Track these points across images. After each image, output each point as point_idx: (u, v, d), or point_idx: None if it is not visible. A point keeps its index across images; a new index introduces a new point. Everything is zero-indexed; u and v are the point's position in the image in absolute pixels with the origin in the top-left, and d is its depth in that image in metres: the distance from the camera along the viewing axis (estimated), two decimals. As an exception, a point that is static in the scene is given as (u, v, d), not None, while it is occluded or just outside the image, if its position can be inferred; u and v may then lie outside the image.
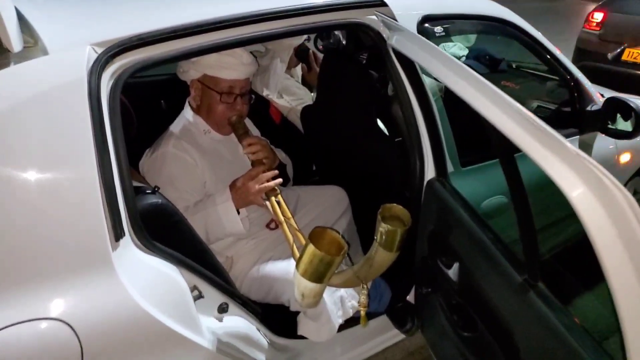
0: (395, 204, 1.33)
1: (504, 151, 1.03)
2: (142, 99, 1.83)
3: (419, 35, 1.26)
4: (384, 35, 1.50)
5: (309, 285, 1.22)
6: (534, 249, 1.03)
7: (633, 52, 4.57)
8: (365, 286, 1.33)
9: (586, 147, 2.20)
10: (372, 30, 1.51)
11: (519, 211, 1.03)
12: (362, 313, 1.37)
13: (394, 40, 1.39)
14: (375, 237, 1.30)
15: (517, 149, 0.97)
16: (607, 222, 0.74)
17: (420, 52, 1.22)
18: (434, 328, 1.60)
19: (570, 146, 0.82)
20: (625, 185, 2.49)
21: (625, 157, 2.44)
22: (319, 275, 1.20)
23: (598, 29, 4.85)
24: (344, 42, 2.91)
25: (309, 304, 1.29)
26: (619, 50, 4.69)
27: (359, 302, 1.35)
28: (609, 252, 0.75)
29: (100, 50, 1.11)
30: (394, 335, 1.86)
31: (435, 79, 1.60)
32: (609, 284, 0.76)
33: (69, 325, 1.02)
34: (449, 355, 1.51)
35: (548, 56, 2.07)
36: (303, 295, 1.25)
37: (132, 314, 1.10)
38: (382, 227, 1.26)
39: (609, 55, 4.72)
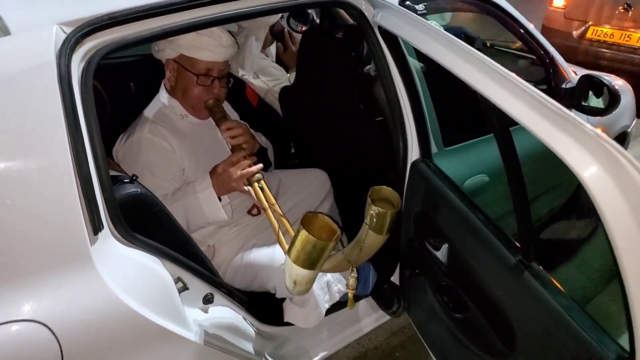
0: (384, 186, 1.30)
1: (501, 129, 1.00)
2: (109, 82, 1.72)
3: (408, 11, 1.21)
4: (366, 14, 1.46)
5: (301, 272, 1.19)
6: (528, 229, 1.02)
7: (597, 30, 4.66)
8: (354, 269, 1.31)
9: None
10: (354, 7, 1.46)
11: (514, 191, 1.01)
12: (350, 295, 1.35)
13: (379, 17, 1.34)
14: (365, 220, 1.28)
15: (512, 125, 0.94)
16: (625, 206, 0.72)
17: (410, 28, 1.17)
18: (421, 309, 1.59)
19: (580, 121, 0.78)
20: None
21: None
22: (312, 261, 1.17)
23: (563, 7, 4.92)
24: (317, 21, 2.85)
25: (301, 292, 1.26)
26: (583, 28, 4.77)
27: (347, 285, 1.32)
28: (627, 241, 0.73)
29: (69, 30, 1.03)
30: (380, 317, 1.86)
31: (423, 56, 1.57)
32: (623, 275, 0.74)
33: (46, 326, 0.96)
34: (437, 335, 1.51)
35: (525, 34, 2.06)
36: (295, 283, 1.21)
37: (114, 311, 1.04)
38: (373, 210, 1.23)
39: (574, 33, 4.80)
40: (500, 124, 1.00)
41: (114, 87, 1.84)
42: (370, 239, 1.28)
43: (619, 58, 4.49)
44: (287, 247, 1.39)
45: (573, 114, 0.79)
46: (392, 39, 1.40)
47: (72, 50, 1.02)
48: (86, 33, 1.04)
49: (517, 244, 1.09)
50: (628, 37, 4.45)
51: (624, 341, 0.87)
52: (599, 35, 4.63)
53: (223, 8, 1.25)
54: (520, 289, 1.04)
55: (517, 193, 1.00)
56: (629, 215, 0.72)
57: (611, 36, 4.55)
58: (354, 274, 1.30)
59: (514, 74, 0.90)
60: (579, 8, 4.80)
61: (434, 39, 1.08)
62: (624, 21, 4.43)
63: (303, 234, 1.15)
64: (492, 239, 1.13)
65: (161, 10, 1.13)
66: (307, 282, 1.23)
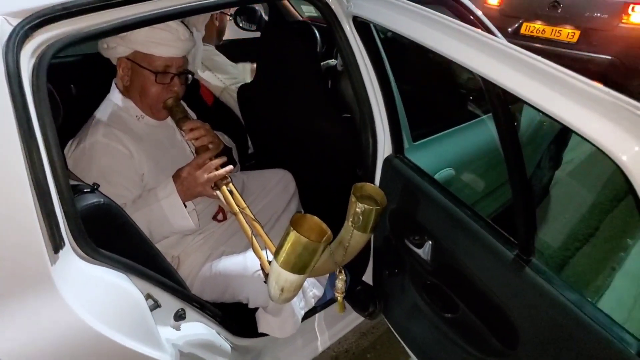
0: (367, 183, 1.25)
1: (503, 114, 0.96)
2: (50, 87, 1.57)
3: None
4: (333, 6, 1.40)
5: (290, 278, 1.11)
6: (529, 222, 0.99)
7: (530, 26, 4.87)
8: (342, 271, 1.25)
9: (518, 118, 2.28)
10: (320, 0, 1.40)
11: (513, 181, 0.97)
12: (339, 299, 1.28)
13: (354, 7, 1.28)
14: (348, 219, 1.22)
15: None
16: None
17: (395, 14, 1.11)
18: (400, 310, 1.56)
19: (609, 92, 0.72)
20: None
21: (545, 125, 2.58)
22: (303, 265, 1.09)
23: (498, 4, 5.10)
24: (265, 18, 2.77)
25: (287, 299, 1.18)
26: (517, 24, 4.97)
27: (336, 289, 1.26)
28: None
29: (15, 22, 0.89)
30: (353, 320, 1.82)
31: (387, 50, 1.53)
32: None
33: (2, 362, 0.83)
34: (420, 335, 1.48)
35: (476, 21, 2.09)
36: (283, 290, 1.13)
37: (81, 337, 0.93)
38: (358, 207, 1.18)
39: (509, 30, 4.99)
40: (503, 110, 0.95)
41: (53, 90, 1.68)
42: (355, 238, 1.22)
43: (551, 52, 4.71)
44: (261, 252, 1.32)
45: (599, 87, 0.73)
46: (366, 31, 1.35)
47: (21, 44, 0.88)
48: (36, 25, 0.91)
49: (512, 239, 1.06)
50: (558, 32, 4.68)
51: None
52: (532, 31, 4.85)
53: (183, 0, 1.15)
54: (521, 286, 1.01)
55: (517, 184, 0.97)
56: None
57: (543, 32, 4.78)
58: (343, 277, 1.24)
59: (522, 50, 0.85)
60: (512, 5, 5.00)
61: (424, 24, 1.03)
62: (554, 17, 4.66)
63: (293, 235, 1.07)
64: (484, 234, 1.10)
65: (120, 1, 1.02)
66: (295, 289, 1.15)
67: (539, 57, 0.82)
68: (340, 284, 1.24)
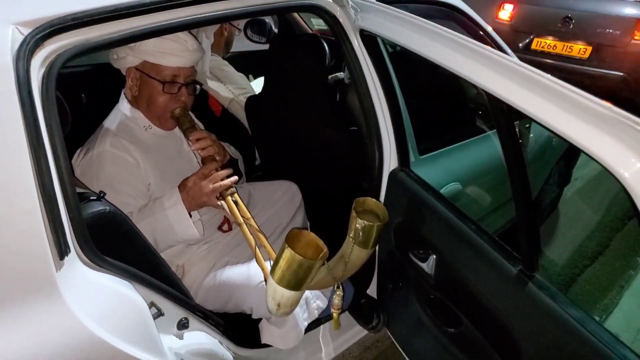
0: (369, 198, 1.25)
1: (507, 129, 0.96)
2: (59, 93, 1.59)
3: (396, 10, 1.15)
4: (340, 19, 1.41)
5: (286, 294, 1.11)
6: (533, 238, 0.99)
7: (541, 42, 4.86)
8: (340, 286, 1.24)
9: (526, 134, 2.28)
10: (327, 13, 1.41)
11: (517, 196, 0.97)
12: (335, 316, 1.28)
13: (361, 20, 1.29)
14: (349, 234, 1.22)
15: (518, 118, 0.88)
16: None
17: (401, 28, 1.12)
18: (403, 324, 1.55)
19: (611, 108, 0.72)
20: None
21: (554, 141, 2.56)
22: (298, 281, 1.09)
23: (509, 19, 5.11)
24: (275, 31, 2.80)
25: (285, 313, 1.18)
26: (528, 39, 4.97)
27: (332, 305, 1.26)
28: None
29: (27, 32, 0.91)
30: (357, 333, 1.80)
31: (394, 63, 1.54)
32: None
33: (7, 367, 0.84)
34: (422, 350, 1.46)
35: (485, 36, 2.10)
36: (279, 305, 1.13)
37: (85, 344, 0.94)
38: (358, 224, 1.17)
39: (520, 45, 4.99)
40: (507, 125, 0.96)
41: (64, 99, 1.71)
42: (356, 253, 1.22)
43: (561, 68, 4.69)
44: (264, 263, 1.32)
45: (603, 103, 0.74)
46: (373, 44, 1.36)
47: (31, 53, 0.90)
48: (46, 35, 0.93)
49: (515, 254, 1.05)
50: (569, 48, 4.67)
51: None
52: (542, 47, 4.84)
53: (194, 11, 1.16)
54: (524, 302, 1.00)
55: (521, 200, 0.97)
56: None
57: (554, 47, 4.77)
58: (340, 292, 1.24)
59: (525, 64, 0.86)
60: (523, 20, 5.00)
61: (430, 38, 1.04)
62: (565, 33, 4.65)
63: (288, 252, 1.07)
64: (488, 249, 1.09)
65: (129, 11, 1.04)
66: (292, 304, 1.15)
67: (543, 73, 0.82)
68: (337, 299, 1.24)
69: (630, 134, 0.70)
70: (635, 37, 4.29)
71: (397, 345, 1.62)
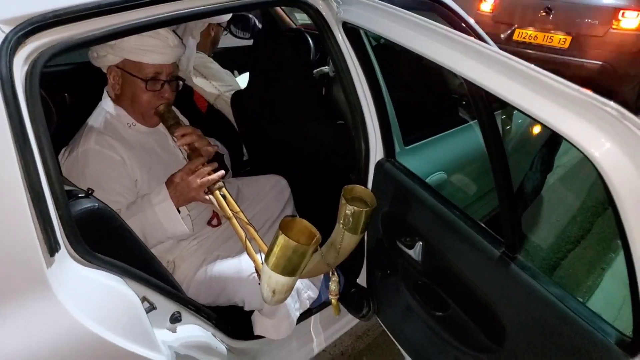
0: (357, 185, 1.28)
1: (487, 116, 0.99)
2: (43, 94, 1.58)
3: (378, 1, 1.17)
4: (324, 13, 1.43)
5: (281, 280, 1.13)
6: (514, 220, 1.02)
7: (522, 32, 4.92)
8: (335, 273, 1.27)
9: (508, 123, 2.32)
10: (310, 6, 1.43)
11: (498, 181, 1.00)
12: (334, 302, 1.30)
13: (343, 13, 1.31)
14: (339, 221, 1.24)
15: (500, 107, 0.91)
16: None
17: (383, 19, 1.13)
18: (393, 310, 1.57)
19: (580, 90, 0.75)
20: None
21: (536, 129, 2.61)
22: (293, 267, 1.11)
23: (491, 11, 5.16)
24: (259, 26, 2.80)
25: (279, 300, 1.20)
26: (509, 31, 5.02)
27: (329, 291, 1.28)
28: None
29: (8, 29, 0.91)
30: (348, 322, 1.83)
31: (378, 56, 1.56)
32: (636, 263, 0.73)
33: (1, 364, 0.85)
34: (413, 335, 1.49)
35: (468, 29, 2.12)
36: (274, 292, 1.15)
37: (78, 339, 0.94)
38: (348, 210, 1.20)
39: (502, 36, 5.04)
40: (486, 111, 0.98)
41: (48, 99, 1.70)
42: (346, 239, 1.24)
43: (543, 58, 4.75)
44: (255, 255, 1.34)
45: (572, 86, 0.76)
46: (356, 36, 1.38)
47: (13, 51, 0.90)
48: (28, 32, 0.93)
49: (498, 237, 1.08)
50: (550, 38, 4.73)
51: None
52: (524, 38, 4.89)
53: (177, 6, 1.17)
54: (507, 282, 1.03)
55: (502, 183, 1.00)
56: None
57: (535, 38, 4.82)
58: (335, 278, 1.26)
59: (501, 52, 0.88)
60: (505, 12, 5.05)
61: (411, 29, 1.06)
62: (546, 24, 4.71)
63: (282, 239, 1.09)
64: (472, 233, 1.12)
65: (111, 8, 1.04)
66: (287, 290, 1.17)
67: (518, 59, 0.85)
68: (333, 285, 1.26)
69: (599, 115, 0.73)
70: (613, 26, 4.36)
71: (388, 332, 1.65)
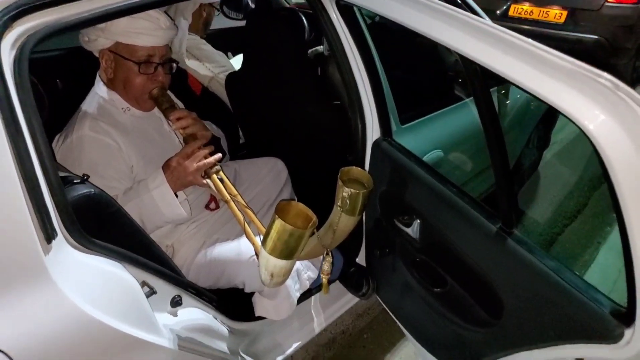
0: (354, 167, 1.27)
1: (482, 91, 0.98)
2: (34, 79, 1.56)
3: None
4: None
5: (278, 264, 1.13)
6: (510, 196, 1.02)
7: (518, 8, 4.86)
8: (330, 253, 1.27)
9: (504, 99, 2.30)
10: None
11: (494, 156, 1.00)
12: (324, 281, 1.31)
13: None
14: (336, 203, 1.24)
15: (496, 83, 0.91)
16: (638, 160, 0.69)
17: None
18: (392, 288, 1.59)
19: (575, 62, 0.74)
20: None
21: (533, 105, 2.60)
22: (290, 251, 1.11)
23: (485, -14, 5.09)
24: (252, 6, 2.76)
25: (278, 283, 1.20)
26: (505, 6, 4.97)
27: (322, 271, 1.29)
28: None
29: (-7, 13, 0.89)
30: (348, 301, 1.84)
31: (373, 34, 1.54)
32: (630, 236, 0.74)
33: (5, 354, 0.85)
34: (412, 313, 1.51)
35: (462, 3, 2.09)
36: (272, 275, 1.15)
37: (79, 325, 0.95)
38: (345, 192, 1.19)
39: (498, 12, 4.99)
40: (481, 87, 0.97)
41: (40, 85, 1.68)
42: (343, 221, 1.24)
43: (539, 33, 4.71)
44: (254, 238, 1.34)
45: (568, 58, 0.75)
46: (350, 14, 1.36)
47: (0, 35, 0.89)
48: (15, 15, 0.90)
49: (495, 213, 1.08)
50: (546, 13, 4.68)
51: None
52: (520, 13, 4.84)
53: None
54: (504, 257, 1.04)
55: (498, 159, 0.99)
56: None
57: (531, 13, 4.77)
58: (329, 259, 1.27)
59: (496, 25, 0.87)
60: (500, -14, 4.99)
61: (405, 4, 1.04)
62: (541, -2, 4.67)
63: (278, 223, 1.09)
64: (468, 209, 1.12)
65: None
66: (285, 273, 1.17)
67: (512, 32, 0.84)
68: (326, 265, 1.27)
69: (593, 87, 0.72)
70: (609, 0, 4.32)
71: (387, 310, 1.66)
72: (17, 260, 0.88)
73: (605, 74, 0.70)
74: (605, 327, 0.89)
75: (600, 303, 0.89)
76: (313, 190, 1.94)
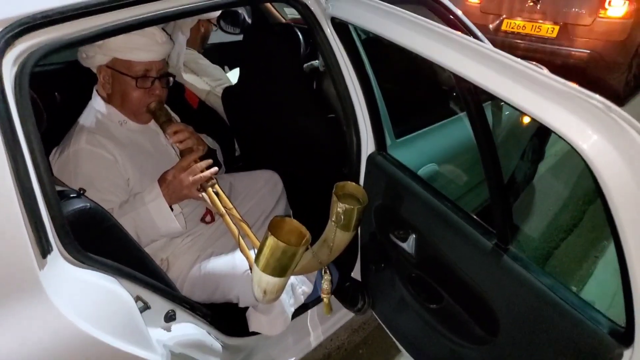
0: (348, 182, 1.28)
1: (475, 108, 1.00)
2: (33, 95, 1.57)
3: None
4: (312, 8, 1.42)
5: (271, 281, 1.13)
6: (505, 212, 1.03)
7: (511, 23, 4.93)
8: (327, 271, 1.27)
9: (497, 113, 2.33)
10: (298, 2, 1.42)
11: (488, 173, 1.01)
12: (326, 300, 1.31)
13: (332, 9, 1.31)
14: (331, 218, 1.24)
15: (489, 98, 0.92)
16: (631, 179, 0.71)
17: (371, 14, 1.14)
18: (388, 304, 1.59)
19: (566, 83, 0.76)
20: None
21: (526, 119, 2.62)
22: (283, 268, 1.11)
23: (479, 2, 5.16)
24: (249, 21, 2.79)
25: (271, 300, 1.20)
26: (498, 21, 5.03)
27: (322, 290, 1.29)
28: (635, 221, 0.71)
29: (-4, 31, 0.90)
30: (344, 316, 1.83)
31: (368, 50, 1.56)
32: (627, 255, 0.74)
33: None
34: (408, 328, 1.51)
35: (456, 20, 2.12)
36: (265, 292, 1.15)
37: (72, 341, 0.94)
38: (339, 207, 1.20)
39: (490, 27, 5.05)
40: (475, 104, 0.99)
41: (38, 99, 1.69)
42: (339, 236, 1.24)
43: (532, 48, 4.77)
44: (249, 252, 1.34)
45: (563, 82, 0.77)
46: (345, 31, 1.38)
47: (2, 53, 0.90)
48: (17, 34, 0.92)
49: (490, 229, 1.09)
50: (538, 28, 4.74)
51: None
52: (512, 28, 4.90)
53: (165, 5, 1.16)
54: (500, 274, 1.04)
55: (492, 175, 1.01)
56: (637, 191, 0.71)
57: (523, 28, 4.83)
58: (328, 277, 1.27)
59: (492, 47, 0.89)
60: (493, 2, 5.05)
61: (399, 24, 1.06)
62: (533, 13, 4.72)
63: (271, 240, 1.09)
64: (464, 225, 1.13)
65: (100, 8, 1.03)
66: (278, 290, 1.18)
67: (507, 54, 0.86)
68: (325, 284, 1.26)
69: (586, 107, 0.74)
70: (600, 15, 4.38)
71: (383, 326, 1.66)
72: (12, 275, 0.88)
73: (597, 96, 0.72)
74: (603, 347, 0.88)
75: (598, 322, 0.89)
76: (308, 203, 1.94)
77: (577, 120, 0.75)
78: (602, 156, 0.73)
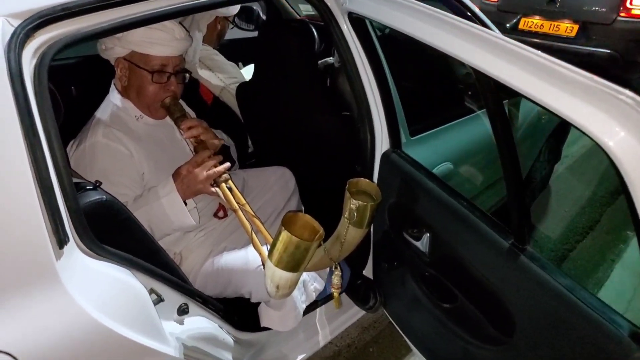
0: (362, 179, 1.27)
1: (495, 106, 0.98)
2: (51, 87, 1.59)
3: None
4: (329, 3, 1.42)
5: (284, 276, 1.13)
6: (523, 211, 1.01)
7: (528, 21, 4.87)
8: (338, 266, 1.26)
9: (515, 112, 2.30)
10: (316, -3, 1.42)
11: (506, 171, 1.00)
12: (336, 295, 1.30)
13: (349, 3, 1.30)
14: (344, 215, 1.23)
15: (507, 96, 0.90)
16: None
17: (389, 9, 1.12)
18: (400, 302, 1.58)
19: (594, 79, 0.74)
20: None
21: (544, 118, 2.59)
22: (296, 263, 1.11)
23: (496, 0, 5.11)
24: (263, 17, 2.79)
25: (284, 295, 1.20)
26: (515, 20, 4.98)
27: (332, 285, 1.28)
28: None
29: (17, 23, 0.91)
30: (355, 314, 1.83)
31: (384, 46, 1.55)
32: None
33: (11, 356, 0.85)
34: (420, 327, 1.49)
35: (472, 16, 2.10)
36: (278, 287, 1.15)
37: (88, 331, 0.95)
38: (353, 204, 1.19)
39: (507, 25, 5.00)
40: (495, 101, 0.97)
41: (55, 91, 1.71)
42: (351, 233, 1.24)
43: (549, 47, 4.71)
44: (261, 248, 1.34)
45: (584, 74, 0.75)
46: (361, 27, 1.37)
47: (22, 45, 0.91)
48: (37, 26, 0.93)
49: (507, 228, 1.08)
50: (557, 27, 4.68)
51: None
52: (530, 27, 4.84)
53: (183, -2, 1.17)
54: (517, 274, 1.03)
55: (510, 173, 0.99)
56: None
57: (541, 27, 4.77)
58: (338, 272, 1.26)
59: (512, 40, 0.87)
60: (510, 1, 5.00)
61: (419, 18, 1.05)
62: (551, 12, 4.66)
63: (285, 235, 1.09)
64: (480, 224, 1.12)
65: (120, 0, 1.04)
66: (291, 285, 1.17)
67: (529, 47, 0.84)
68: (336, 279, 1.26)
69: (613, 103, 0.72)
70: (621, 14, 4.31)
71: (394, 324, 1.65)
72: (29, 263, 0.89)
73: (627, 91, 0.70)
74: (623, 350, 0.86)
75: (617, 324, 0.87)
76: (321, 200, 1.94)
77: (603, 116, 0.73)
78: (629, 153, 0.70)
